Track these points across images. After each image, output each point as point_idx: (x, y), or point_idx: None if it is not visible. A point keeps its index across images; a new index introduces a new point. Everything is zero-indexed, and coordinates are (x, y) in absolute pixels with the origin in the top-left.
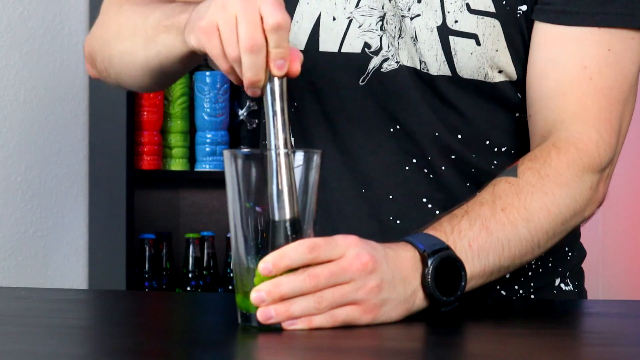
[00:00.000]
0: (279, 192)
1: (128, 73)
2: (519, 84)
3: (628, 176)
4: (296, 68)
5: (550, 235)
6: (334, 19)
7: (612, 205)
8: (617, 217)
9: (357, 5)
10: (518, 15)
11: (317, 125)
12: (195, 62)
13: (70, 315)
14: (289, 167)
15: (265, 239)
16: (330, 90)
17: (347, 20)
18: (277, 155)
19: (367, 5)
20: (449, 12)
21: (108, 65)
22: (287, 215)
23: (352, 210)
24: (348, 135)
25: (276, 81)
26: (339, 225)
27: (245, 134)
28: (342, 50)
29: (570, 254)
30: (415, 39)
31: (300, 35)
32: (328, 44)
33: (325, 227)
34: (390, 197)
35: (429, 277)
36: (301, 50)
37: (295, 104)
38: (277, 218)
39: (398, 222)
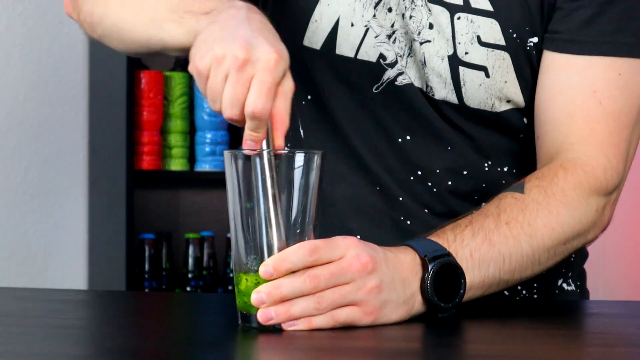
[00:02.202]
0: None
1: (119, 39)
2: (526, 109)
3: (628, 177)
4: (279, 144)
5: (552, 254)
6: (352, 24)
7: None
8: (617, 217)
9: (374, 15)
10: (528, 48)
11: (328, 121)
12: None
13: (70, 315)
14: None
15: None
16: (343, 92)
17: (364, 29)
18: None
19: (381, 17)
20: (459, 43)
21: (97, 22)
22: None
23: (367, 205)
24: (356, 139)
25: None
26: (354, 219)
27: None
28: (358, 57)
29: (573, 255)
30: (424, 63)
31: (317, 35)
32: (344, 48)
33: (340, 221)
34: (400, 199)
35: (428, 282)
36: (316, 50)
37: (309, 97)
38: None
39: (408, 222)
